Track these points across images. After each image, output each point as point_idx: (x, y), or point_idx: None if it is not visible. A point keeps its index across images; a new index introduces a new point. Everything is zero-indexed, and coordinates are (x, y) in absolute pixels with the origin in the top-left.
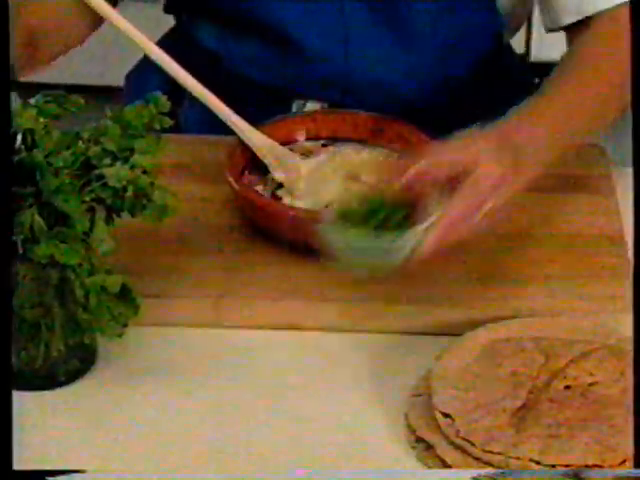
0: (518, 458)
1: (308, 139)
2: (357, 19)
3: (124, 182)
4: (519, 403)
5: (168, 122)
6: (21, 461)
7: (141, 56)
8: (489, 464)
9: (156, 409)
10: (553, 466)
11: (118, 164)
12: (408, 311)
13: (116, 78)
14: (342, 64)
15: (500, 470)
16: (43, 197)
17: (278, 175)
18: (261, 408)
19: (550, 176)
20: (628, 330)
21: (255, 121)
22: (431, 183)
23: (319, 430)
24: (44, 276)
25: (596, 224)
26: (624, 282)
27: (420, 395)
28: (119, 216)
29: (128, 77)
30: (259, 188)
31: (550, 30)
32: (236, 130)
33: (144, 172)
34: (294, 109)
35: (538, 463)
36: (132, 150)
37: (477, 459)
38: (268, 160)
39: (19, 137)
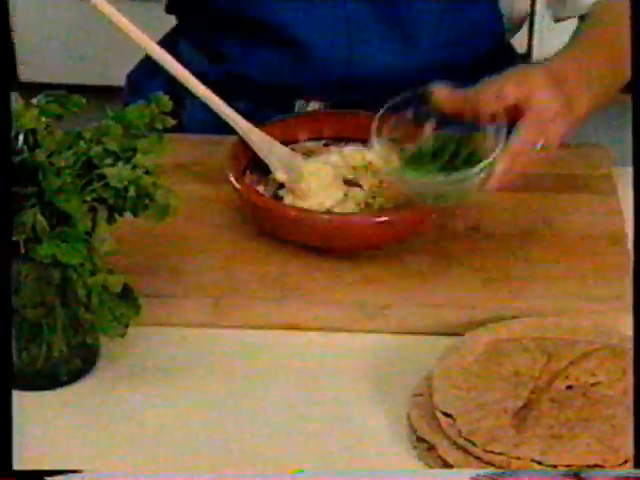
0: (519, 458)
1: (310, 139)
2: (360, 19)
3: (126, 182)
4: (521, 403)
5: (170, 122)
6: (22, 461)
7: (142, 56)
8: (490, 464)
9: (157, 409)
10: (554, 466)
11: (120, 164)
12: (409, 311)
13: (118, 78)
14: (345, 64)
15: (500, 470)
16: (45, 197)
17: (279, 175)
18: (262, 408)
19: (552, 176)
20: (630, 330)
21: (257, 121)
22: (490, 115)
23: (320, 430)
24: (46, 276)
25: (598, 224)
26: (626, 282)
27: (421, 395)
28: (121, 216)
29: (129, 77)
30: (260, 188)
31: (558, 20)
32: (238, 130)
33: (146, 172)
34: (296, 109)
35: (540, 463)
36: (134, 150)
37: (478, 459)
38: (269, 160)
39: (21, 137)
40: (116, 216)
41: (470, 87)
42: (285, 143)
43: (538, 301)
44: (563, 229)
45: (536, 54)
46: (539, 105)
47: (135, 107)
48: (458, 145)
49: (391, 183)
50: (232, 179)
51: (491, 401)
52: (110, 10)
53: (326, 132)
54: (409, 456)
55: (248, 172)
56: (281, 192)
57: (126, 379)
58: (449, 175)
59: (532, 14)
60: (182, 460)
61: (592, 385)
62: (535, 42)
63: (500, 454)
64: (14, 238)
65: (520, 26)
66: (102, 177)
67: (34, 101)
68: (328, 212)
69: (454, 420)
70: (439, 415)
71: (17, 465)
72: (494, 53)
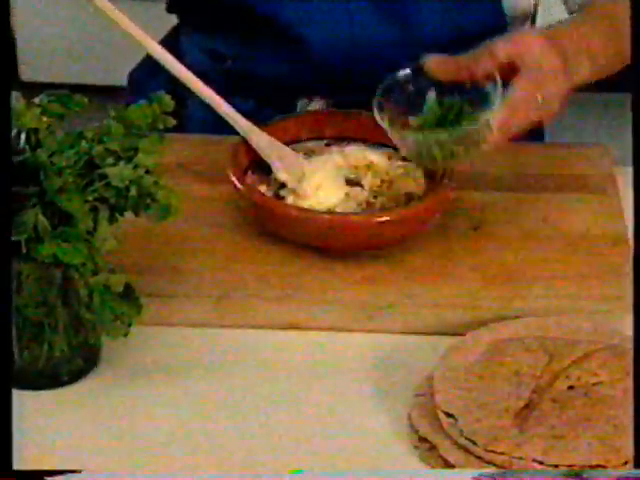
0: (521, 458)
1: (311, 139)
2: (363, 18)
3: (127, 181)
4: (522, 403)
5: (171, 122)
6: (22, 461)
7: (144, 55)
8: (492, 464)
9: (158, 408)
10: (556, 466)
11: (121, 163)
12: (411, 311)
13: (119, 77)
14: (347, 62)
15: (502, 470)
16: (47, 197)
17: (281, 175)
18: (263, 408)
19: (553, 175)
20: (631, 330)
21: (259, 120)
22: (485, 75)
23: (322, 430)
24: (47, 276)
25: (599, 224)
26: (627, 282)
27: (423, 395)
28: (122, 215)
29: (131, 76)
30: (262, 188)
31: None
32: (239, 130)
33: (147, 171)
34: (299, 108)
35: (541, 463)
36: (136, 149)
37: (480, 459)
38: (271, 160)
39: (23, 137)
40: (117, 216)
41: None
42: (286, 143)
43: (539, 301)
44: (564, 229)
45: None
46: (534, 59)
47: (137, 107)
48: (460, 109)
49: (393, 183)
50: (233, 179)
51: (493, 401)
52: (111, 9)
53: (327, 132)
54: (410, 456)
55: (249, 172)
56: (282, 192)
57: (127, 379)
58: (453, 131)
59: (534, 12)
60: (183, 460)
61: (594, 385)
62: None
63: (502, 454)
64: (16, 238)
65: (523, 24)
66: (104, 177)
67: (36, 101)
68: (329, 212)
69: (455, 420)
70: (441, 415)
71: (18, 465)
72: None
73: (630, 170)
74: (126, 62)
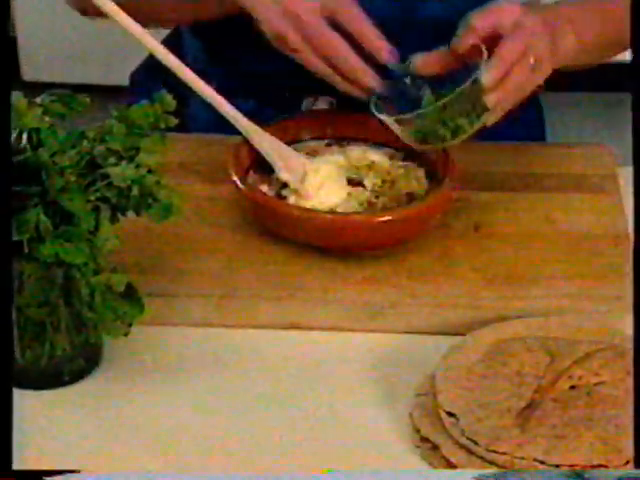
0: (523, 458)
1: (313, 139)
2: (370, 15)
3: (129, 181)
4: (524, 403)
5: (173, 121)
6: (23, 461)
7: (145, 55)
8: (494, 464)
9: (160, 408)
10: (557, 466)
11: (123, 163)
12: (412, 311)
13: (121, 77)
14: None
15: (503, 470)
16: (48, 196)
17: (283, 175)
18: (264, 408)
19: (555, 175)
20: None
21: (263, 120)
22: (475, 45)
23: (323, 430)
24: (49, 275)
25: (601, 224)
26: (629, 282)
27: (425, 394)
28: (124, 215)
29: (133, 76)
30: (264, 188)
31: None
32: (241, 129)
33: (149, 171)
34: (303, 107)
35: (543, 463)
36: (137, 149)
37: (482, 459)
38: (273, 160)
39: (24, 136)
40: (119, 215)
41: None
42: (288, 143)
43: (541, 301)
44: (566, 229)
45: None
46: (515, 23)
47: (139, 106)
48: (460, 94)
49: (394, 183)
50: (235, 179)
51: (494, 401)
52: (113, 9)
53: (329, 132)
54: (412, 456)
55: (251, 172)
56: (284, 192)
57: (129, 378)
58: (446, 99)
59: None
60: (184, 459)
61: (595, 385)
62: None
63: (503, 454)
64: (17, 238)
65: None
66: (105, 176)
67: (38, 100)
68: (331, 212)
69: (457, 419)
70: (442, 415)
71: (19, 465)
72: None
73: (630, 170)
74: (128, 62)
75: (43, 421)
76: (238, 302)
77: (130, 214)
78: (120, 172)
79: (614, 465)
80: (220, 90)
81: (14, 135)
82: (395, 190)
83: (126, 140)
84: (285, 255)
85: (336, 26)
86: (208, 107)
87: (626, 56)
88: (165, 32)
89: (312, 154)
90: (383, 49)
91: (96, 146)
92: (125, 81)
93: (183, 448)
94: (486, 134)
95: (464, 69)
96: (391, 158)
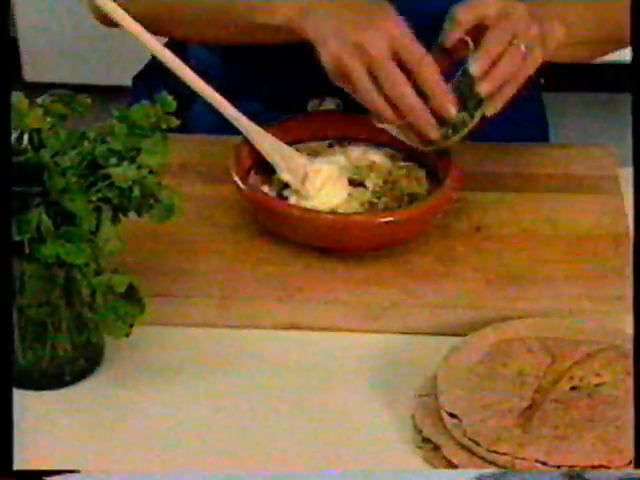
0: (524, 459)
1: (314, 139)
2: None
3: (130, 182)
4: (525, 403)
5: (174, 122)
6: (26, 462)
7: (147, 55)
8: (495, 464)
9: (161, 408)
10: (559, 467)
11: (125, 164)
12: (413, 311)
13: (122, 78)
14: None
15: (502, 471)
16: (50, 197)
17: (284, 175)
18: (265, 408)
19: (556, 176)
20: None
21: (269, 121)
22: (461, 39)
23: (324, 431)
24: (50, 276)
25: (602, 224)
26: (630, 282)
27: (426, 395)
28: (125, 216)
29: (136, 79)
30: (265, 188)
31: None
32: (242, 130)
33: (150, 172)
34: (309, 109)
35: (544, 464)
36: (138, 150)
37: (483, 459)
38: (274, 160)
39: (26, 137)
40: (120, 216)
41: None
42: (289, 143)
43: (542, 301)
44: (567, 229)
45: None
46: (499, 13)
47: (140, 107)
48: (451, 88)
49: (395, 183)
50: (236, 179)
51: (496, 401)
52: (115, 9)
53: (330, 132)
54: (414, 457)
55: (252, 172)
56: (285, 192)
57: (130, 379)
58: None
59: None
60: (186, 460)
61: (597, 386)
62: None
63: (505, 454)
64: (19, 238)
65: None
66: (107, 177)
67: (39, 101)
68: (332, 212)
69: (459, 420)
70: (444, 415)
71: (21, 465)
72: None
73: (630, 171)
74: (129, 62)
75: (44, 421)
76: (239, 302)
77: (131, 215)
78: (121, 173)
79: (615, 466)
80: (226, 92)
81: (15, 136)
82: (396, 191)
83: (127, 141)
84: (286, 255)
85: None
86: (211, 109)
87: (627, 56)
88: None
89: (313, 155)
90: (449, 103)
91: (97, 147)
92: (126, 81)
93: (184, 448)
94: (488, 134)
95: (459, 65)
96: (392, 159)
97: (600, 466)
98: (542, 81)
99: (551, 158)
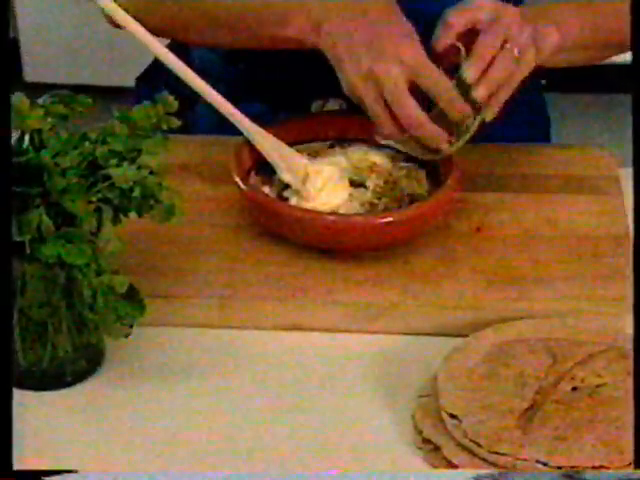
0: (525, 459)
1: (315, 140)
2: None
3: (131, 182)
4: (526, 404)
5: (175, 123)
6: (26, 462)
7: (149, 56)
8: (496, 465)
9: (161, 409)
10: (560, 468)
11: (125, 164)
12: (415, 312)
13: (123, 78)
14: None
15: (499, 471)
16: (50, 197)
17: (284, 176)
18: (266, 409)
19: (557, 177)
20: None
21: (272, 122)
22: (453, 44)
23: (324, 431)
24: (51, 276)
25: (603, 225)
26: (630, 283)
27: (427, 396)
28: (126, 216)
29: (139, 80)
30: (266, 189)
31: None
32: (243, 131)
33: (151, 172)
34: (313, 109)
35: (545, 464)
36: (139, 151)
37: (484, 460)
38: (275, 161)
39: (26, 138)
40: (121, 217)
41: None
42: (290, 144)
43: (543, 302)
44: (568, 230)
45: None
46: (490, 16)
47: (141, 108)
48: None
49: (396, 184)
50: (237, 180)
51: (496, 402)
52: (116, 10)
53: (331, 133)
54: (414, 457)
55: (253, 173)
56: (286, 193)
57: (131, 379)
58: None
59: None
60: (187, 460)
61: (597, 386)
62: None
63: (505, 455)
64: (19, 238)
65: None
66: (107, 178)
67: (40, 101)
68: (333, 213)
69: (460, 421)
70: (445, 416)
71: (19, 466)
72: None
73: (630, 172)
74: (130, 63)
75: (44, 421)
76: (240, 303)
77: (132, 215)
78: (122, 173)
79: (616, 467)
80: (230, 93)
81: (16, 136)
82: (397, 191)
83: (128, 141)
84: (287, 256)
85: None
86: (212, 109)
87: (627, 57)
88: None
89: (314, 155)
90: (470, 119)
91: (98, 147)
92: (127, 82)
93: (184, 448)
94: (490, 136)
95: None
96: (393, 159)
97: (601, 467)
98: (543, 82)
99: (551, 159)
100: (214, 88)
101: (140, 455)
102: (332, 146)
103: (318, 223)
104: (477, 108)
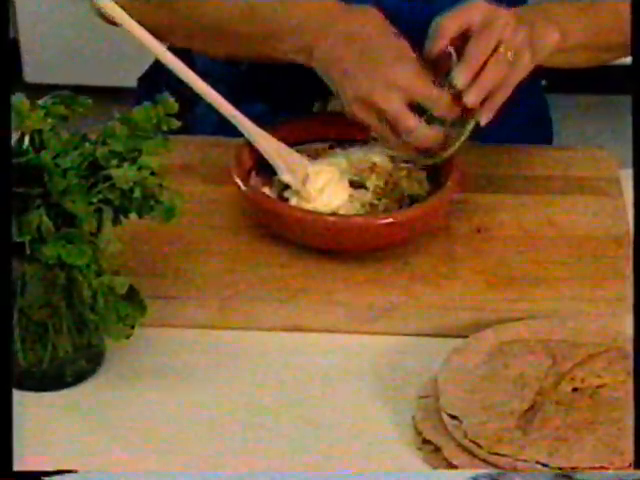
0: (525, 460)
1: (315, 141)
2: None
3: (131, 183)
4: (526, 405)
5: (175, 124)
6: (26, 463)
7: (149, 56)
8: (496, 466)
9: (162, 410)
10: (560, 468)
11: (126, 165)
12: (415, 313)
13: (123, 79)
14: None
15: (498, 471)
16: (51, 198)
17: (285, 177)
18: (267, 410)
19: (558, 178)
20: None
21: (274, 123)
22: (445, 49)
23: (325, 432)
24: (51, 277)
25: (603, 226)
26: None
27: (427, 397)
28: (126, 217)
29: (140, 80)
30: (266, 190)
31: None
32: (244, 131)
33: (152, 173)
34: (315, 110)
35: (545, 465)
36: (140, 151)
37: (484, 461)
38: (275, 162)
39: (27, 138)
40: (121, 217)
41: None
42: (290, 145)
43: (543, 303)
44: (568, 231)
45: None
46: (483, 20)
47: (141, 109)
48: None
49: (396, 185)
50: (237, 180)
51: (497, 403)
52: (117, 11)
53: (331, 134)
54: (414, 458)
55: (253, 174)
56: (286, 194)
57: (131, 380)
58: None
59: None
60: (187, 461)
61: (598, 387)
62: None
63: (506, 456)
64: (20, 239)
65: None
66: (108, 178)
67: (40, 102)
68: (333, 214)
69: (460, 422)
70: (445, 417)
71: (21, 466)
72: None
73: (630, 173)
74: (130, 63)
75: (44, 422)
76: (240, 304)
77: (132, 216)
78: (122, 174)
79: (616, 468)
80: (232, 94)
81: (16, 137)
82: (397, 192)
83: (128, 142)
84: (287, 257)
85: None
86: (213, 110)
87: (627, 58)
88: None
89: (314, 156)
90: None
91: (98, 148)
92: (127, 83)
93: (184, 448)
94: (491, 136)
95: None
96: (393, 160)
97: (601, 467)
98: (543, 83)
99: (552, 160)
100: (215, 89)
101: (140, 455)
102: (332, 147)
103: (318, 224)
104: (471, 112)
